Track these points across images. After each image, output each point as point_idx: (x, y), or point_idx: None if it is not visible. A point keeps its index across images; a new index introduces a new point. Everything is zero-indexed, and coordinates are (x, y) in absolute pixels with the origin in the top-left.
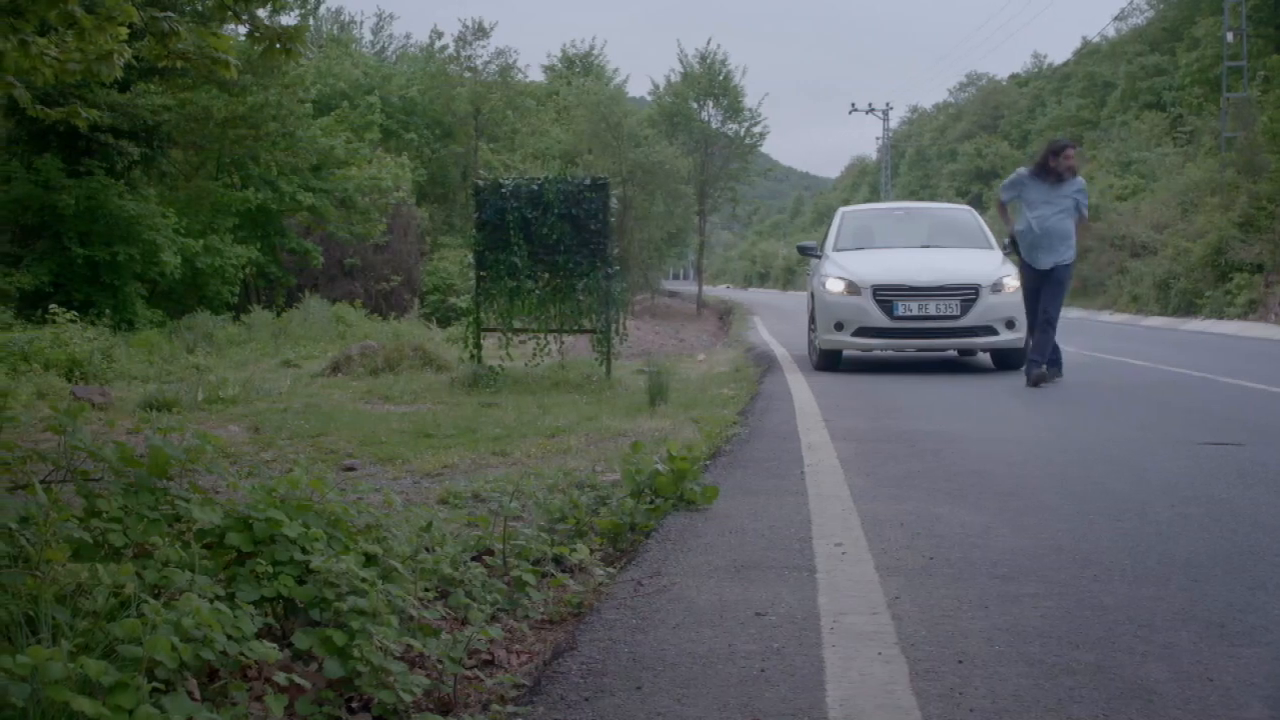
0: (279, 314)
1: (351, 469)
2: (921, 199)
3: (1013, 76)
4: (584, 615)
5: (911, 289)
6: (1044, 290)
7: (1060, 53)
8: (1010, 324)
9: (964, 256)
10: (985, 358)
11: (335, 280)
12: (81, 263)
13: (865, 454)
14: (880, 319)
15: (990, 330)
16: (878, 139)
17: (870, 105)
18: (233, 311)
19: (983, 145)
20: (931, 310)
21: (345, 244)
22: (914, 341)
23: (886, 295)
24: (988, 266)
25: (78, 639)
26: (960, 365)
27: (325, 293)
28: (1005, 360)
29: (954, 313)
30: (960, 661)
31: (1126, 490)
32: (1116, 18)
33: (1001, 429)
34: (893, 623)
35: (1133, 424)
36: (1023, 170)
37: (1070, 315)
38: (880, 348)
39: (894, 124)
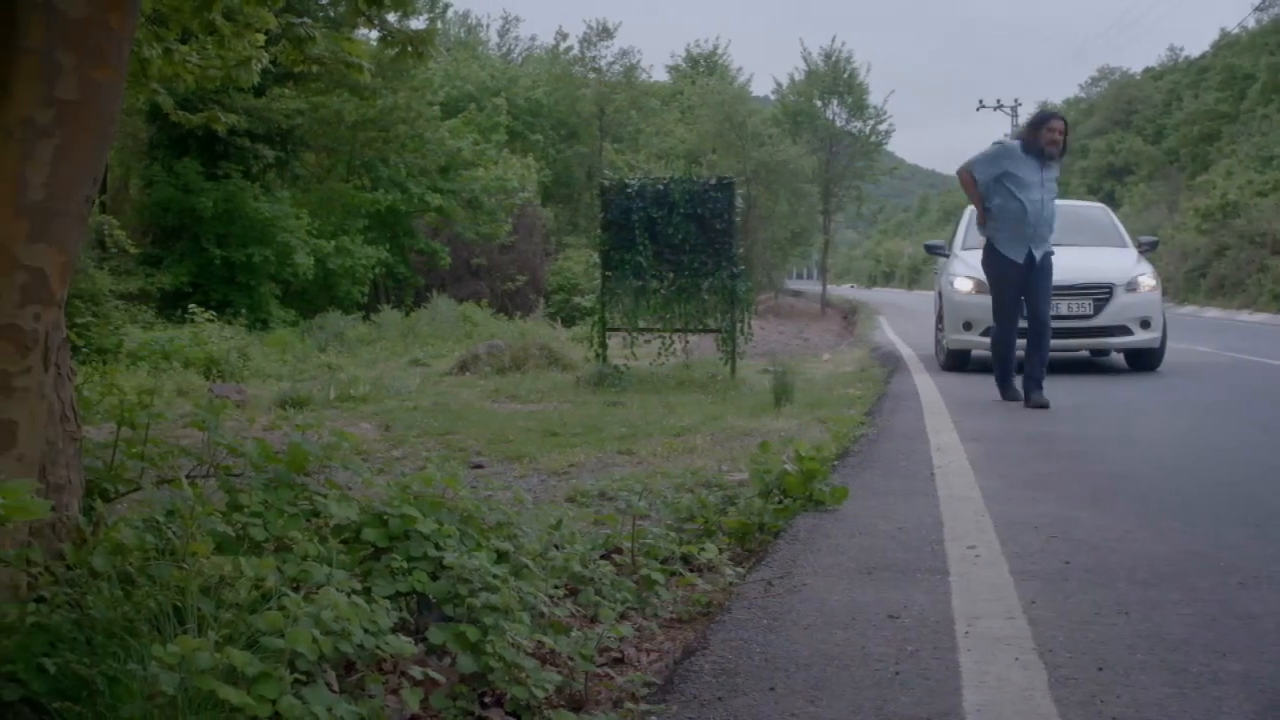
0: (407, 313)
1: (480, 466)
2: None
3: (1147, 70)
4: (714, 615)
5: None
6: (1033, 287)
7: (1197, 45)
8: (1145, 323)
9: (1097, 255)
10: (1119, 358)
11: (462, 280)
12: (219, 263)
13: (996, 455)
14: None
15: (1124, 330)
16: (1006, 135)
17: (999, 101)
18: (363, 311)
19: (1115, 141)
20: (1063, 309)
21: (472, 244)
22: None
23: None
24: (1122, 265)
25: (223, 630)
26: (1093, 366)
27: (452, 292)
28: (1140, 361)
29: (1087, 312)
30: (1100, 669)
31: (1272, 496)
32: (1257, 8)
33: (1138, 431)
34: (1029, 627)
35: (1276, 427)
36: (1011, 143)
37: (1207, 315)
38: None
39: (1023, 120)
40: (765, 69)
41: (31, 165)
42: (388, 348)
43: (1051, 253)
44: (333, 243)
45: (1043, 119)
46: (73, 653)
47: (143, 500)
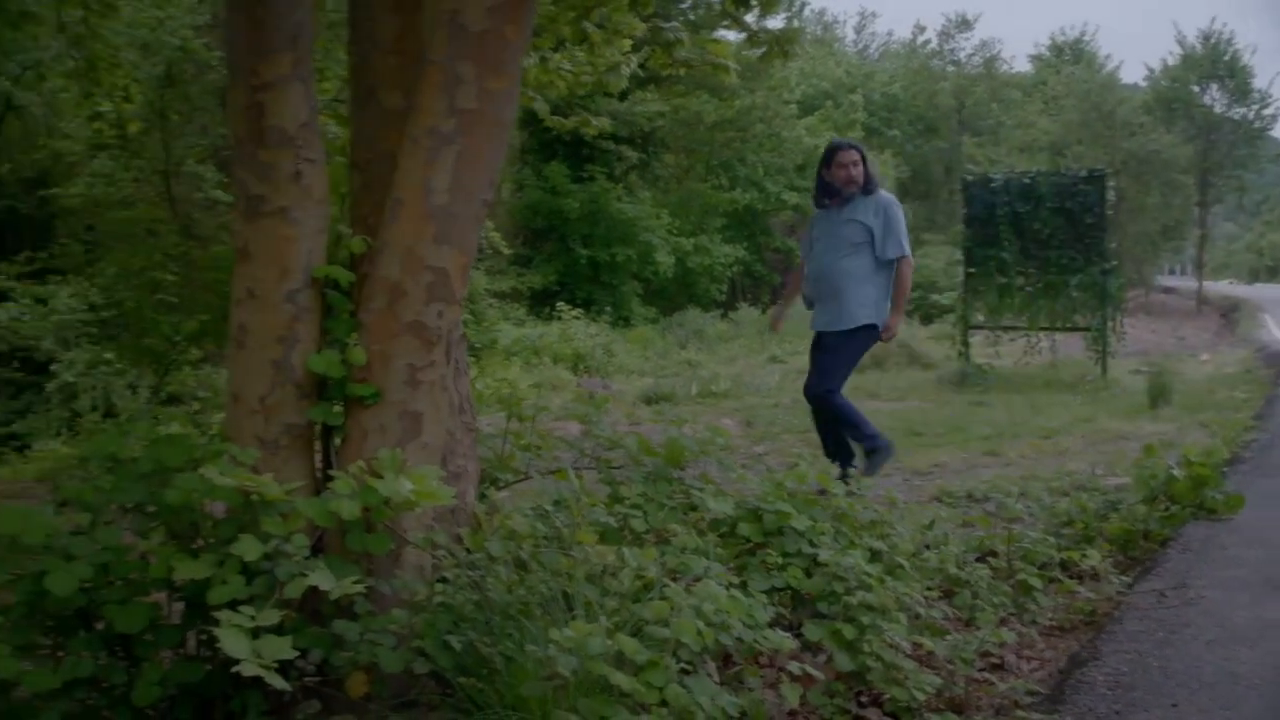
0: (764, 311)
1: None
2: None
3: None
4: (1100, 624)
5: None
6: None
7: None
8: None
9: None
10: None
11: None
12: (584, 263)
13: None
14: None
15: None
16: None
17: None
18: (720, 309)
19: None
20: None
21: None
22: None
23: None
24: None
25: (613, 618)
26: None
27: None
28: None
29: None
30: None
31: None
32: None
33: None
34: None
35: None
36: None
37: None
38: None
39: None
40: (1135, 55)
41: (436, 171)
42: (746, 345)
43: (842, 329)
44: (692, 241)
45: (832, 149)
46: (474, 632)
47: (529, 489)
